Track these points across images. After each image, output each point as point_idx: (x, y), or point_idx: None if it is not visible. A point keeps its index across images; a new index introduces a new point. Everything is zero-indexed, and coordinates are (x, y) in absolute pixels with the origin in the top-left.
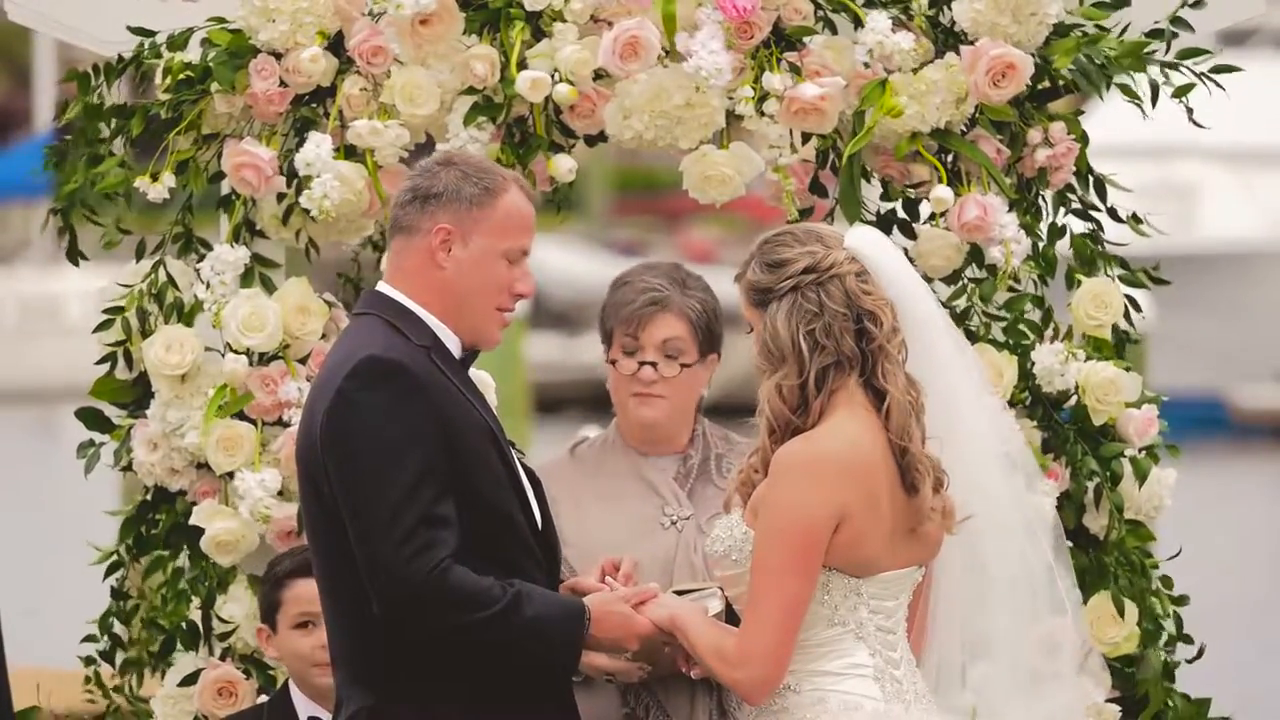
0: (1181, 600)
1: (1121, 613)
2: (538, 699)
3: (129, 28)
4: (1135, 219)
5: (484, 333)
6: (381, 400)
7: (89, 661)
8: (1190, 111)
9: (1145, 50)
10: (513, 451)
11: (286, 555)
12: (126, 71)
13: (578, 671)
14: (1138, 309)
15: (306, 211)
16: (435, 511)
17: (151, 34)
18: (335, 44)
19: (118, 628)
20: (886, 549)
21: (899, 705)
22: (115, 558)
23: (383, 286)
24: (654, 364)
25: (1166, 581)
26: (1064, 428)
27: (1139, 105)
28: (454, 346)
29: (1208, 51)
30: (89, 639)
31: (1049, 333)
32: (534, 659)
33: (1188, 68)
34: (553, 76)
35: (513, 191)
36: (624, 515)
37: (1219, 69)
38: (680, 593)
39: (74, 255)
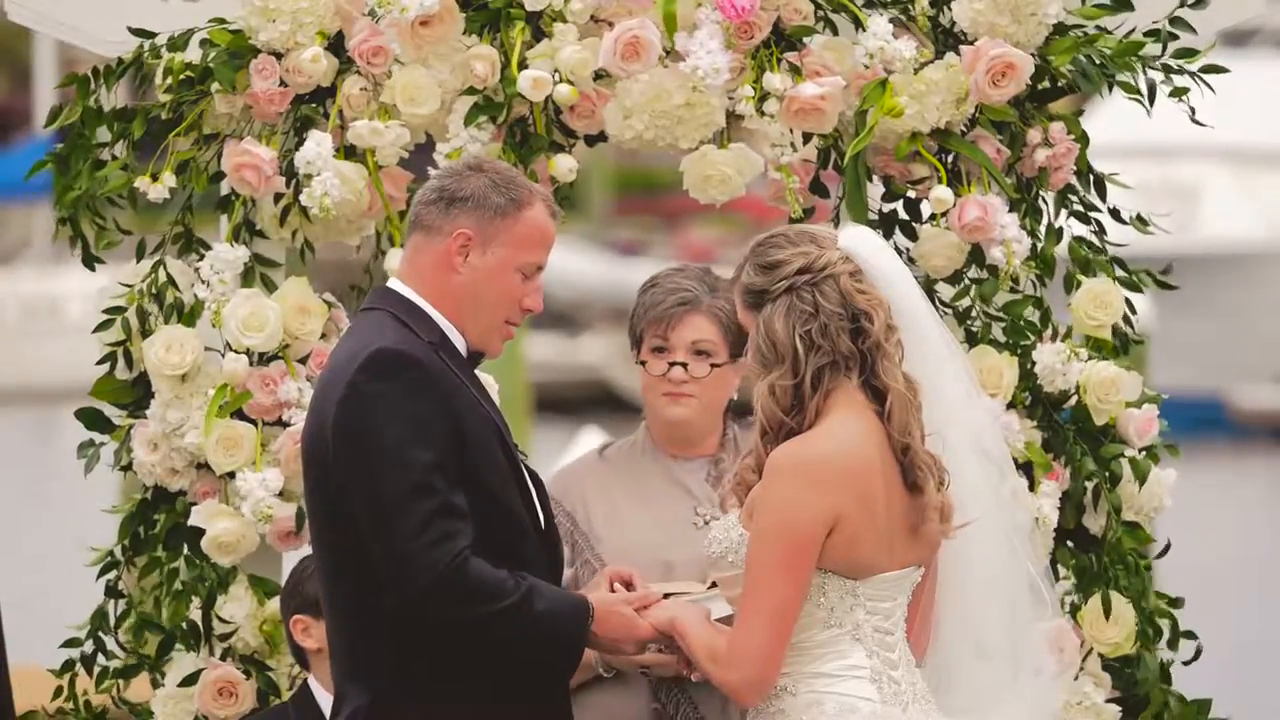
0: (1177, 602)
1: (1108, 614)
2: (538, 698)
3: (129, 29)
4: (1140, 219)
5: (488, 341)
6: (394, 392)
7: (66, 667)
8: (1192, 111)
9: (1141, 50)
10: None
11: None
12: (126, 74)
13: (578, 669)
14: (1134, 311)
15: (304, 211)
16: (451, 502)
17: (151, 35)
18: (335, 44)
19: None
20: (884, 550)
21: (896, 707)
22: (111, 558)
23: (393, 283)
24: (684, 364)
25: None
26: (1064, 428)
27: (1140, 102)
28: (461, 345)
29: (1199, 51)
30: (70, 643)
31: (1048, 333)
32: (540, 654)
33: (1183, 67)
34: (553, 77)
35: (538, 206)
36: (658, 515)
37: (1208, 69)
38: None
39: (89, 260)
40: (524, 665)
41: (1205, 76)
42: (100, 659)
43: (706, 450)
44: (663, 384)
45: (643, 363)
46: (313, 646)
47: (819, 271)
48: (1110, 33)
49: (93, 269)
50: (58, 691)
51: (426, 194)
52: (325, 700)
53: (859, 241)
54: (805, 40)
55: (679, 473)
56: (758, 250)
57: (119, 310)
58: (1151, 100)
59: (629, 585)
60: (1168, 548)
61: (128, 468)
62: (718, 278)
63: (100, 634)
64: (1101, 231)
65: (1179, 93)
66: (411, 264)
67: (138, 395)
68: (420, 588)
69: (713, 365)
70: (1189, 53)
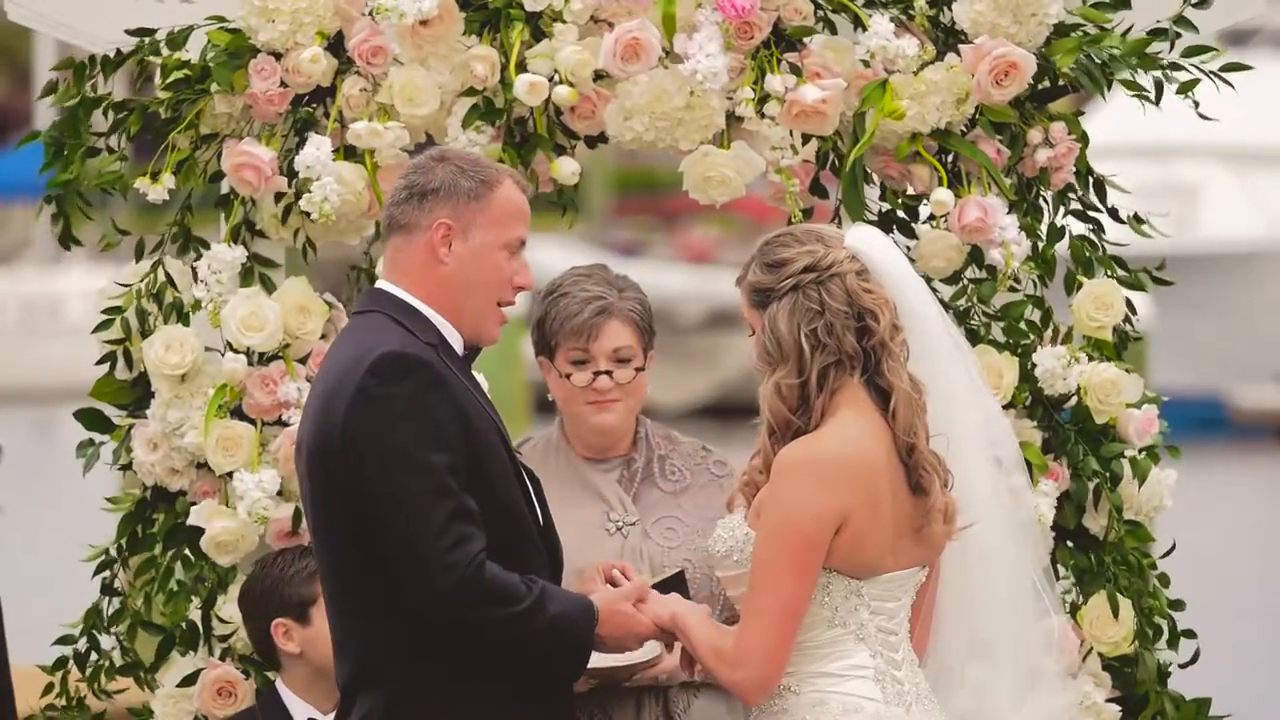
0: (1177, 605)
1: (1116, 613)
2: (550, 699)
3: (128, 30)
4: (1137, 219)
5: (484, 328)
6: (406, 394)
7: (59, 664)
8: (1197, 105)
9: (1149, 49)
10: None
11: (301, 553)
12: (125, 69)
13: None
14: (1134, 312)
15: (305, 212)
16: (465, 505)
17: (151, 33)
18: (335, 44)
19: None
20: (888, 550)
21: (899, 707)
22: (106, 555)
23: (383, 284)
24: (608, 373)
25: (1164, 580)
26: (1064, 428)
27: (1144, 99)
28: (457, 344)
29: (1215, 50)
30: (63, 640)
31: (1048, 334)
32: (550, 656)
33: (1195, 66)
34: (552, 78)
35: (507, 183)
36: (570, 522)
37: (1229, 67)
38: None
39: (66, 241)
40: (534, 666)
41: (1226, 75)
42: (94, 656)
43: (621, 450)
44: (587, 394)
45: (567, 376)
46: (294, 650)
47: (825, 270)
48: (1110, 31)
49: (68, 248)
50: (48, 688)
51: (397, 194)
52: (294, 704)
53: (866, 241)
54: (805, 40)
55: (592, 476)
56: (764, 249)
57: (118, 310)
58: (1158, 97)
59: (625, 575)
60: (1172, 548)
61: (127, 467)
62: (615, 274)
63: (94, 632)
64: (1101, 231)
65: (1188, 87)
66: (396, 265)
67: (137, 395)
68: (438, 591)
69: (636, 370)
70: (1198, 50)
